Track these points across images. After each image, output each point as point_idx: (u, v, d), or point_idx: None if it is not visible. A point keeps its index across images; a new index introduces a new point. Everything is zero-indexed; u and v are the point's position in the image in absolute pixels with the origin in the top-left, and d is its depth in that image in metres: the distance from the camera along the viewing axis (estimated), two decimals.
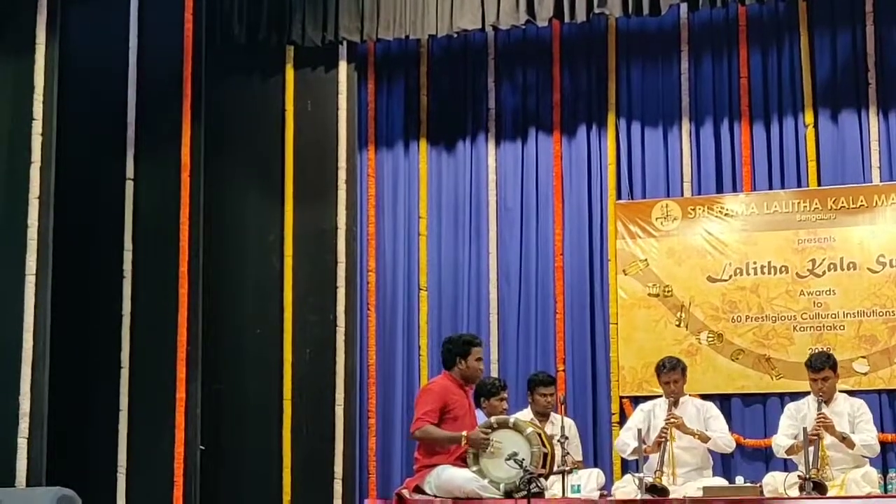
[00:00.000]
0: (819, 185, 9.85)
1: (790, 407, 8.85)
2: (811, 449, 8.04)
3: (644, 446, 8.49)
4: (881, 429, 9.11)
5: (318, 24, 10.12)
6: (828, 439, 8.29)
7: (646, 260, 10.12)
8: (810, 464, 7.90)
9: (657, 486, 8.12)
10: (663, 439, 8.58)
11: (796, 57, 10.03)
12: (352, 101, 10.45)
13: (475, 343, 8.03)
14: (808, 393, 8.91)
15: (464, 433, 7.62)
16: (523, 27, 10.01)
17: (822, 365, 8.54)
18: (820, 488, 7.74)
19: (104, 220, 9.36)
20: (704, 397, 9.42)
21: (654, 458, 8.59)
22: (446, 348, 8.05)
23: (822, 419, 8.27)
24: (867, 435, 8.44)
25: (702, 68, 10.27)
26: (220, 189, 9.87)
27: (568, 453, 8.24)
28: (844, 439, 8.32)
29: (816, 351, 9.10)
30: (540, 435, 7.68)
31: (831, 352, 8.98)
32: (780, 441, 8.62)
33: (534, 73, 10.63)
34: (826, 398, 8.47)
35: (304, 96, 10.34)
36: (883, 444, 9.09)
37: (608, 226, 10.25)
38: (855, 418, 8.52)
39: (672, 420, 8.65)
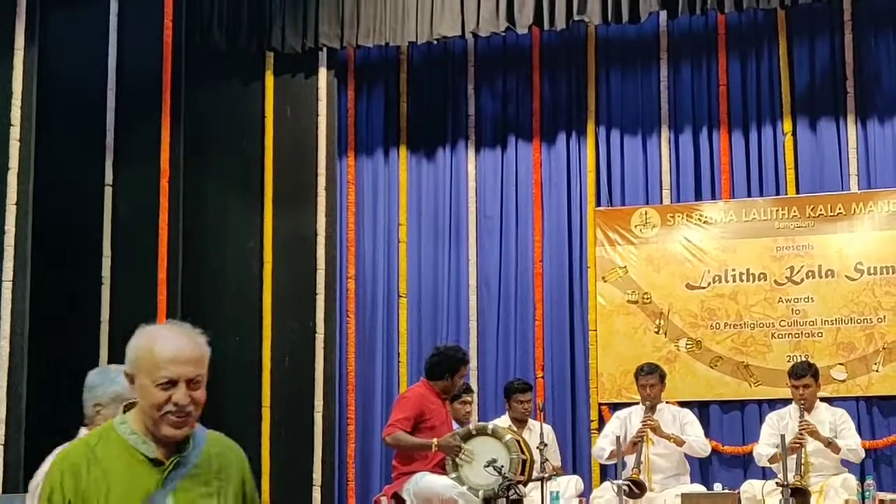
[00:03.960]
0: (797, 192, 9.89)
1: (772, 416, 8.87)
2: (793, 456, 8.11)
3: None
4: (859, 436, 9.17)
5: (298, 31, 10.10)
6: (811, 446, 8.33)
7: (625, 267, 10.14)
8: (794, 471, 7.95)
9: (634, 480, 8.17)
10: (639, 440, 8.61)
11: (775, 65, 10.07)
12: (331, 108, 10.45)
13: (466, 361, 8.04)
14: (786, 401, 8.95)
15: (434, 440, 7.62)
16: (503, 34, 10.02)
17: (803, 372, 8.59)
18: (803, 494, 7.78)
19: (82, 226, 9.31)
20: (683, 404, 9.45)
21: (630, 461, 8.61)
22: (438, 360, 7.94)
23: (806, 425, 8.31)
24: (852, 441, 8.50)
25: (681, 76, 10.30)
26: (200, 195, 9.84)
27: (547, 460, 8.24)
28: (830, 444, 8.36)
29: (797, 360, 9.14)
30: (519, 441, 7.67)
31: (809, 359, 9.03)
32: (762, 450, 8.63)
33: (513, 80, 10.65)
34: (807, 406, 8.50)
35: (283, 103, 10.33)
36: None
37: (587, 233, 10.27)
38: (837, 426, 8.56)
39: (648, 423, 8.67)
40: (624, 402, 9.65)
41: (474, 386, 10.08)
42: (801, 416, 8.42)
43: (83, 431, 4.53)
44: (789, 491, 7.65)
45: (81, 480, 3.15)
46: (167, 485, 3.19)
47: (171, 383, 3.18)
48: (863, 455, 8.61)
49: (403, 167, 10.74)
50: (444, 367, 7.88)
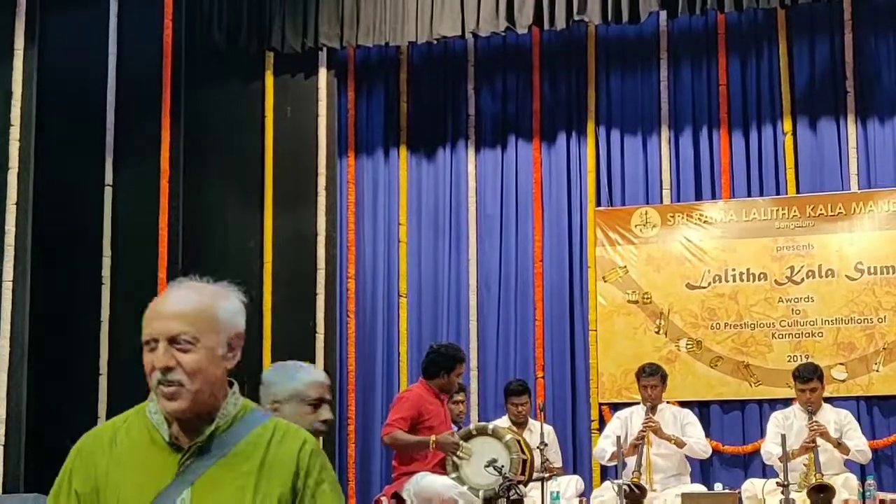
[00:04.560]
0: (797, 192, 9.88)
1: (777, 415, 8.85)
2: (805, 456, 8.20)
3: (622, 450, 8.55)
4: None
5: (298, 31, 10.10)
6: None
7: (625, 267, 10.13)
8: (812, 470, 8.00)
9: (635, 483, 8.17)
10: (640, 442, 8.60)
11: (775, 65, 10.06)
12: (331, 108, 10.44)
13: (461, 359, 8.00)
14: (786, 400, 8.97)
15: (432, 437, 7.59)
16: (503, 34, 10.01)
17: (810, 376, 8.57)
18: (826, 490, 7.81)
19: (82, 227, 9.31)
20: (683, 404, 9.45)
21: (631, 462, 8.62)
22: (433, 358, 7.91)
23: (817, 426, 8.32)
24: (859, 441, 8.53)
25: (681, 76, 10.30)
26: (200, 195, 9.84)
27: (547, 460, 8.24)
28: (839, 445, 8.38)
29: (798, 360, 9.13)
30: (519, 441, 7.67)
31: (810, 359, 9.04)
32: (772, 449, 8.56)
33: (513, 80, 10.64)
34: (814, 409, 8.49)
35: (283, 103, 10.32)
36: None
37: (587, 233, 10.26)
38: (843, 427, 8.57)
39: (649, 424, 8.67)
40: (624, 402, 9.64)
41: (474, 386, 10.10)
42: (810, 417, 8.42)
43: None
44: (789, 490, 7.67)
45: (94, 467, 2.74)
46: (185, 473, 2.67)
47: (155, 342, 2.71)
48: (870, 456, 8.65)
49: (403, 167, 10.73)
50: (440, 365, 7.86)
